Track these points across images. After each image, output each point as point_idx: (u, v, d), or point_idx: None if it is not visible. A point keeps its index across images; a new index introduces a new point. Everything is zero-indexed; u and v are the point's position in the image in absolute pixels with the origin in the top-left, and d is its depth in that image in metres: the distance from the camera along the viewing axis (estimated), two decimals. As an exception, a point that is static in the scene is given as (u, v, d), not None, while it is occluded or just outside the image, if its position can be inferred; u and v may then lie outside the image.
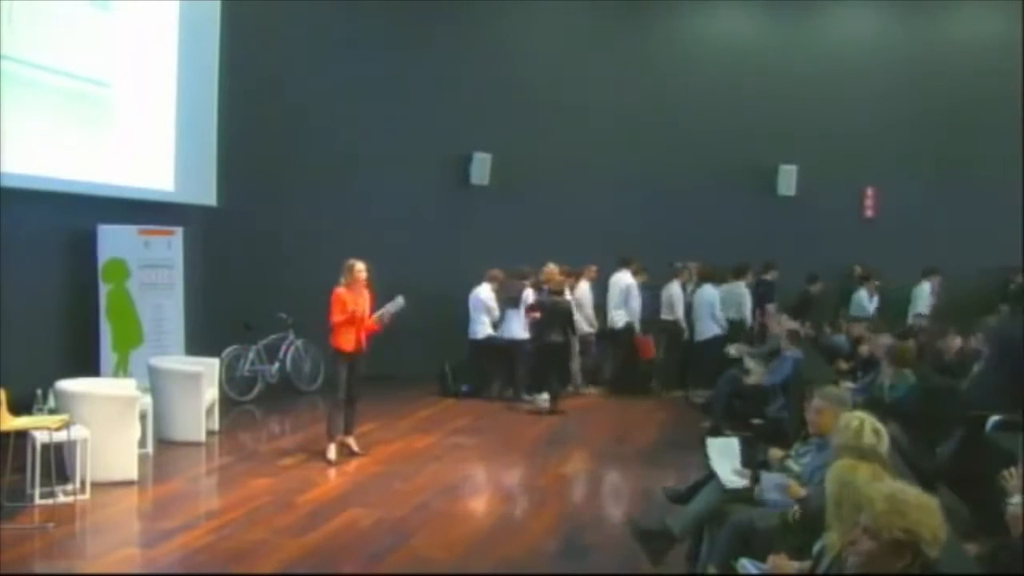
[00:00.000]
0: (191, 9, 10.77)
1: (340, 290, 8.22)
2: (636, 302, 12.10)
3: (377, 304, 8.44)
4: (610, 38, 13.49)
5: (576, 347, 11.95)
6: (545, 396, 11.09)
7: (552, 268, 11.55)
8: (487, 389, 11.81)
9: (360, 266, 8.26)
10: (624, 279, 12.16)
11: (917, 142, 12.97)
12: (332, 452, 8.22)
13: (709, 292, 11.95)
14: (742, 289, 12.17)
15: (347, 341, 8.25)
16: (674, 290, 12.27)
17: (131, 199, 9.95)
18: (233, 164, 11.08)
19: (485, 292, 11.84)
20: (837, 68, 13.17)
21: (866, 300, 12.51)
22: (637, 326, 12.15)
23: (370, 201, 12.56)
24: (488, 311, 11.82)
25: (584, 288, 12.21)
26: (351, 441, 8.46)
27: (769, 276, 12.63)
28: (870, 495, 3.00)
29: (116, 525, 6.55)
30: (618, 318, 12.16)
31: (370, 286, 8.42)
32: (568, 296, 11.52)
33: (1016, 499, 4.17)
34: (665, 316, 12.32)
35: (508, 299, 11.81)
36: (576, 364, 12.05)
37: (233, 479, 7.67)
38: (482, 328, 11.82)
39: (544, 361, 11.24)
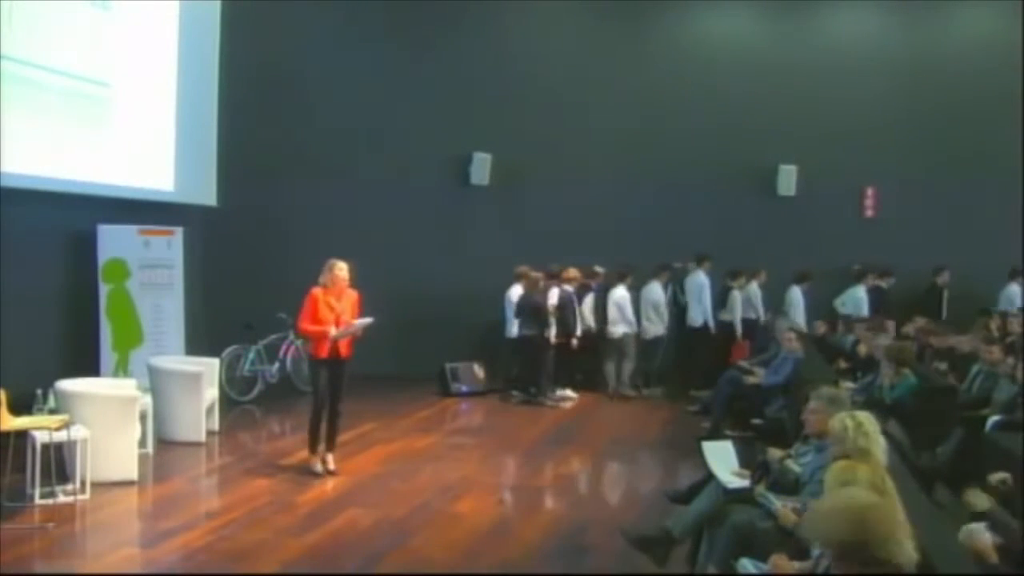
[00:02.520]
0: (191, 9, 10.77)
1: (316, 291, 7.51)
2: (708, 301, 12.09)
3: (363, 306, 7.85)
4: (610, 38, 13.48)
5: (592, 346, 12.01)
6: (567, 392, 11.52)
7: (572, 269, 11.80)
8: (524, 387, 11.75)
9: (342, 265, 7.54)
10: (697, 278, 12.15)
11: (917, 142, 12.94)
12: (318, 466, 7.67)
13: (797, 294, 12.16)
14: (861, 293, 12.26)
15: (322, 347, 7.57)
16: (752, 290, 12.30)
17: (131, 199, 9.96)
18: (233, 164, 11.08)
19: (516, 292, 11.81)
20: (837, 68, 13.14)
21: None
22: (739, 328, 12.09)
23: (370, 201, 12.55)
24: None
25: (656, 288, 12.07)
26: (330, 458, 7.74)
27: (883, 283, 12.55)
28: (826, 523, 2.99)
29: (116, 525, 6.54)
30: (696, 317, 12.11)
31: (355, 286, 7.71)
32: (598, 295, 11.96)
33: (977, 525, 4.10)
34: (747, 315, 12.30)
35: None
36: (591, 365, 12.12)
37: (233, 479, 7.66)
38: (515, 327, 11.81)
39: (523, 356, 11.51)
